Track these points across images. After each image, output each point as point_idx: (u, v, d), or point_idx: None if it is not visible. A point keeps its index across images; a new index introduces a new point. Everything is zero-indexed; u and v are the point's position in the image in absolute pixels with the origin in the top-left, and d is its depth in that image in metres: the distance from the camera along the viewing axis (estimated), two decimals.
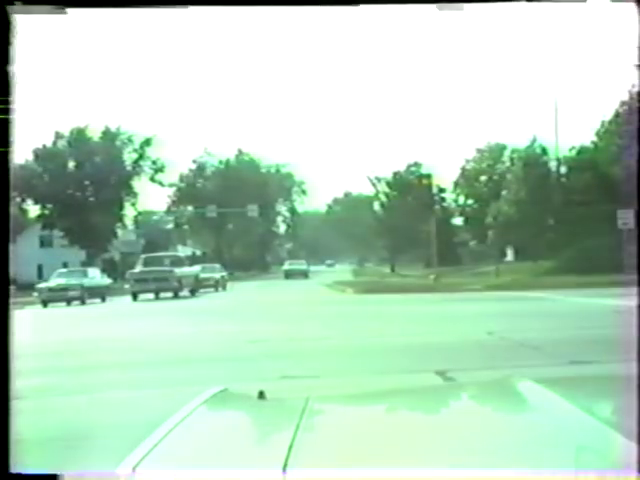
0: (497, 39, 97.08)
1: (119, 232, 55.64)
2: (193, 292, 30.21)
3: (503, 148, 52.69)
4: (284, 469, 1.17)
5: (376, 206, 59.82)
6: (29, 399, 5.93)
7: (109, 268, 42.30)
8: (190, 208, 65.45)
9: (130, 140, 56.63)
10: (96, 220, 50.49)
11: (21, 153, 50.22)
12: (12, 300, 1.76)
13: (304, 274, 50.17)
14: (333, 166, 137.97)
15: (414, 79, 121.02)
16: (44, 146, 54.86)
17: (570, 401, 1.44)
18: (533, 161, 41.93)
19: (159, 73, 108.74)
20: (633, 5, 1.63)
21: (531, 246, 37.22)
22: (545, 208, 36.07)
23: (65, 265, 41.49)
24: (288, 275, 50.60)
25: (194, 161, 67.26)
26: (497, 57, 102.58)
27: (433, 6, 1.83)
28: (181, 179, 66.00)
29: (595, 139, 42.32)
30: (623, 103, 39.01)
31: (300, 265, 53.94)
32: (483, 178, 53.09)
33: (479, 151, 55.11)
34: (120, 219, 56.02)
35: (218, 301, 26.80)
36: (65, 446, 4.68)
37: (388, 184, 57.28)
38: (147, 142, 56.61)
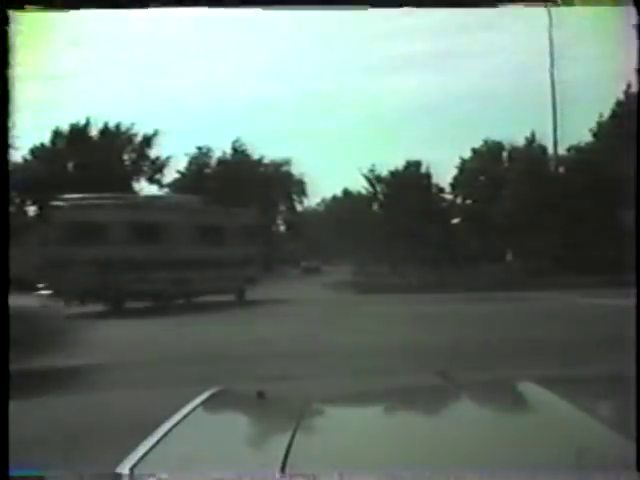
0: (496, 39, 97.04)
1: None
2: None
3: (501, 148, 52.57)
4: (282, 469, 1.17)
5: (375, 206, 59.61)
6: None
7: None
8: None
9: (129, 140, 56.52)
10: None
11: (21, 153, 50.19)
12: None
13: (317, 270, 65.14)
14: (332, 166, 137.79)
15: (413, 79, 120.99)
16: (43, 145, 54.70)
17: (570, 401, 1.44)
18: (533, 161, 41.88)
19: (158, 73, 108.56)
20: (632, 8, 1.63)
21: (530, 246, 37.18)
22: (545, 208, 36.01)
23: None
24: (305, 271, 65.01)
25: (193, 161, 67.07)
26: (496, 57, 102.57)
27: (431, 5, 1.83)
28: (180, 178, 65.82)
29: (593, 140, 42.32)
30: (621, 104, 39.00)
31: (314, 264, 70.09)
32: (482, 178, 52.91)
33: (477, 151, 54.94)
34: None
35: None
36: (64, 446, 4.68)
37: (387, 184, 57.04)
38: (146, 142, 56.52)
